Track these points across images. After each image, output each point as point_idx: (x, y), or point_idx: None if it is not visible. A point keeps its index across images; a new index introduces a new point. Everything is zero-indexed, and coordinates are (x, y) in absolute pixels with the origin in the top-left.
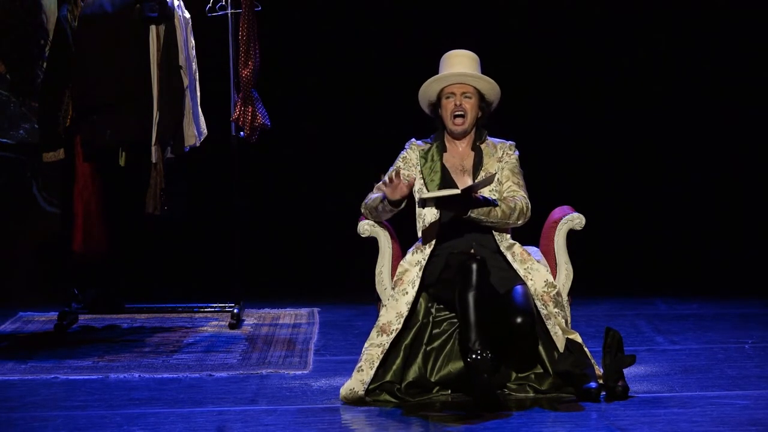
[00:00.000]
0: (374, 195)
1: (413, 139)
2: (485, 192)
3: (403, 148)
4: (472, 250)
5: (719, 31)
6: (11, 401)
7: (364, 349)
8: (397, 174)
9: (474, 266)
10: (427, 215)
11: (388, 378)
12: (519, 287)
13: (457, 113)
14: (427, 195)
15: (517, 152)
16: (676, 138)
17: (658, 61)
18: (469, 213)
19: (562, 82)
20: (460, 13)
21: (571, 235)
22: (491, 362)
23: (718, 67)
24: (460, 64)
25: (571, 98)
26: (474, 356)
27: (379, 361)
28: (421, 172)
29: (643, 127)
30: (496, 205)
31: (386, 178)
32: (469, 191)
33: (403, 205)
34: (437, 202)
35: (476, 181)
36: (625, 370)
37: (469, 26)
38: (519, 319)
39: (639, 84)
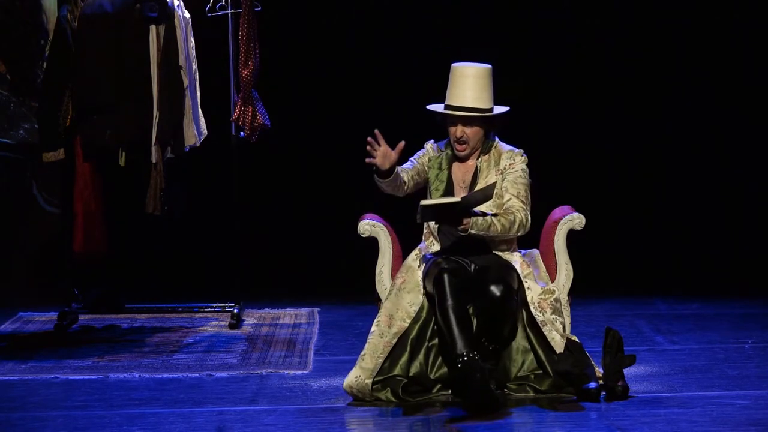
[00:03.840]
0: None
1: (431, 141)
2: (483, 206)
3: (422, 148)
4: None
5: (717, 32)
6: (11, 401)
7: (367, 342)
8: (376, 137)
9: (445, 276)
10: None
11: (395, 372)
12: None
13: (459, 141)
14: (425, 202)
15: (525, 160)
16: (676, 138)
17: (658, 61)
18: (469, 231)
19: (562, 81)
20: (460, 12)
21: (571, 235)
22: (480, 361)
23: (719, 67)
24: (466, 89)
25: (572, 98)
26: (463, 359)
27: (385, 355)
28: (429, 179)
29: (644, 127)
30: (494, 215)
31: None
32: (467, 201)
33: (393, 176)
34: (435, 214)
35: (473, 192)
36: (625, 370)
37: (468, 27)
38: (493, 288)
39: (640, 84)
